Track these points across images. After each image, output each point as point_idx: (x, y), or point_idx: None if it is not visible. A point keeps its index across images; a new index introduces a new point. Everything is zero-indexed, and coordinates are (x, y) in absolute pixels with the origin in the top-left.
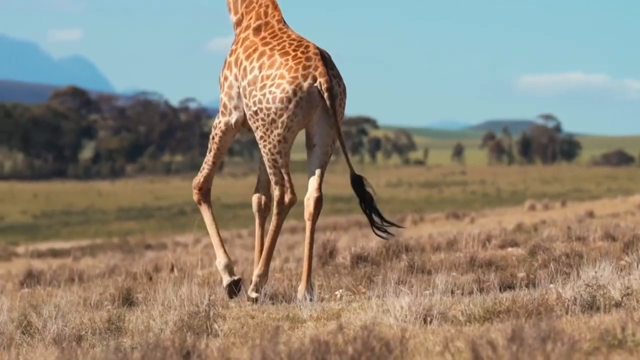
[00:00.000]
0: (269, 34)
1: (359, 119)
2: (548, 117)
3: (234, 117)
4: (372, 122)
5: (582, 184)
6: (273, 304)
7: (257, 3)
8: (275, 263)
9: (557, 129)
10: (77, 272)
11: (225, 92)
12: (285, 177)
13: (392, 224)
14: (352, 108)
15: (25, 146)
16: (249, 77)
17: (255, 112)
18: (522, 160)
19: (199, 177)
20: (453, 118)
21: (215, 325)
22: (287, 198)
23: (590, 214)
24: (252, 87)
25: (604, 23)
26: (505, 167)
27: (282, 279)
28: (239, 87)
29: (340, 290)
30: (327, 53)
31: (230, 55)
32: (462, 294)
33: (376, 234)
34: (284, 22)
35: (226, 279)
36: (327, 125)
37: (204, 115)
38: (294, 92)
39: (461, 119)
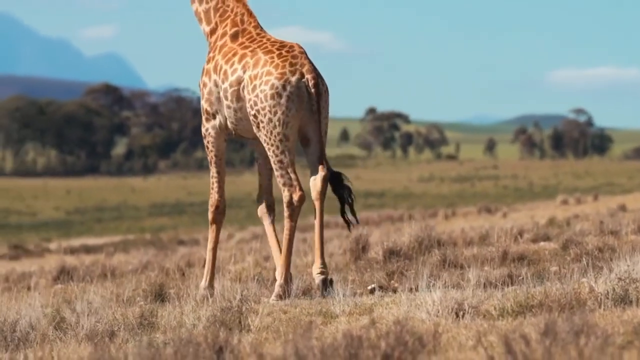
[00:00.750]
0: (247, 39)
1: (390, 114)
2: (579, 111)
3: (217, 121)
4: (404, 117)
5: (613, 178)
6: (305, 299)
7: (232, 12)
8: (308, 258)
9: (589, 123)
10: (109, 268)
11: (205, 98)
12: (292, 176)
13: (351, 219)
14: (384, 103)
15: (58, 143)
16: (232, 78)
17: (255, 116)
18: (554, 154)
19: (214, 196)
20: (485, 112)
21: (248, 321)
22: (296, 197)
23: (623, 208)
24: (234, 87)
25: (636, 17)
26: (537, 161)
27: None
28: (219, 92)
29: (373, 285)
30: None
31: (208, 62)
32: (495, 288)
33: (344, 220)
34: (261, 28)
35: (201, 293)
36: (314, 120)
37: None
38: (284, 87)
39: (493, 113)
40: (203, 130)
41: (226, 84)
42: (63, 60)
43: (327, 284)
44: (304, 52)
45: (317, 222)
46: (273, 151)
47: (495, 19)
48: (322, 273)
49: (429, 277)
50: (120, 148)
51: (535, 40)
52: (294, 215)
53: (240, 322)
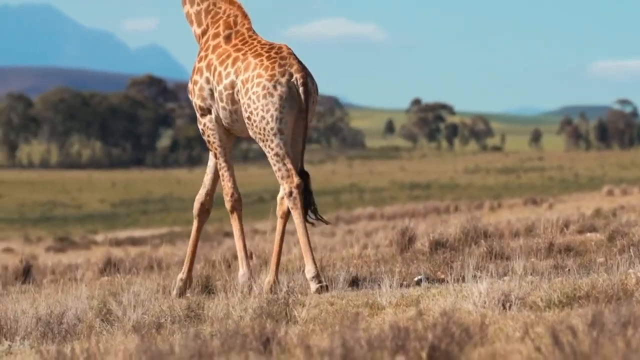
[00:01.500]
0: (240, 41)
1: (436, 105)
2: (625, 102)
3: (213, 115)
4: (449, 109)
5: None
6: (352, 290)
7: (224, 14)
8: (354, 249)
9: (634, 114)
10: (155, 260)
11: (197, 95)
12: (289, 166)
13: (321, 219)
14: (430, 95)
15: (103, 135)
16: (225, 82)
17: (249, 117)
18: (599, 145)
19: (227, 185)
20: (530, 104)
21: (295, 312)
22: (293, 185)
23: None
24: (229, 91)
25: None
26: (583, 152)
27: (360, 265)
28: (211, 89)
29: (419, 277)
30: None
31: (200, 61)
32: (541, 279)
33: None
34: (253, 30)
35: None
36: (302, 118)
37: None
38: (274, 87)
39: (538, 104)
40: (200, 126)
41: (221, 87)
42: (106, 52)
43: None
44: (292, 53)
45: (277, 237)
46: (268, 145)
47: (539, 9)
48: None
49: (475, 269)
50: (165, 140)
51: (579, 30)
52: (297, 205)
53: (286, 313)
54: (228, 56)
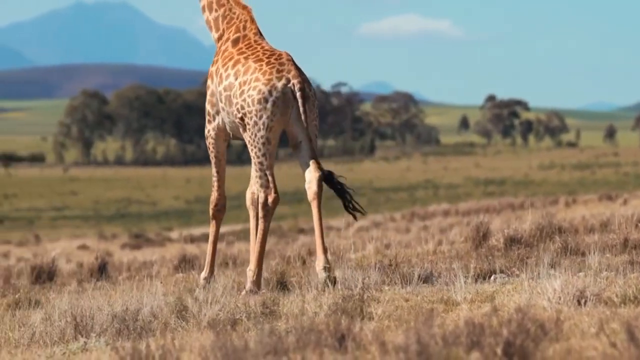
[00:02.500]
0: (245, 45)
1: (510, 101)
2: None
3: (217, 122)
4: (524, 105)
5: None
6: (427, 286)
7: (237, 18)
8: (429, 246)
9: None
10: (230, 256)
11: (208, 100)
12: (270, 179)
13: (357, 209)
14: (504, 91)
15: (177, 132)
16: (225, 83)
17: (241, 119)
18: None
19: (214, 194)
20: (605, 99)
21: (370, 309)
22: (270, 199)
23: None
24: (227, 92)
25: None
26: None
27: (435, 261)
28: (219, 93)
29: (495, 273)
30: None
31: (212, 65)
32: (616, 275)
33: (349, 212)
34: (260, 35)
35: (201, 284)
36: (302, 123)
37: (355, 100)
38: (270, 92)
39: (613, 100)
40: (205, 131)
41: (221, 87)
42: (181, 49)
43: (330, 280)
44: (291, 60)
45: (316, 221)
46: (255, 153)
47: (615, 4)
48: (325, 269)
49: (550, 265)
50: None
51: None
52: (267, 217)
53: (362, 310)
54: (231, 59)
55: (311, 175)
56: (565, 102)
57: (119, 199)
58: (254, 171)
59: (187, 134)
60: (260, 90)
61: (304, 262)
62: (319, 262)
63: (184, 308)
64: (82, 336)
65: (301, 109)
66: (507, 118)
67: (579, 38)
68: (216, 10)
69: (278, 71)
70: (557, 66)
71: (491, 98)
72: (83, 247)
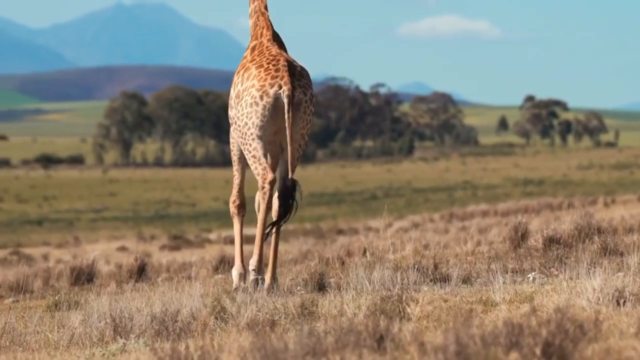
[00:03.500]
0: (257, 52)
1: (549, 101)
2: None
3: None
4: (563, 105)
5: None
6: (466, 287)
7: (259, 27)
8: (468, 246)
9: None
10: (267, 257)
11: (230, 106)
12: (264, 164)
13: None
14: (543, 91)
15: (217, 133)
16: (235, 90)
17: (235, 122)
18: None
19: (233, 192)
20: None
21: (408, 309)
22: (268, 179)
23: None
24: (237, 99)
25: None
26: None
27: (474, 261)
28: (233, 99)
29: (533, 273)
30: (300, 67)
31: (236, 74)
32: None
33: (272, 223)
34: (272, 41)
35: (235, 283)
36: (294, 130)
37: (394, 100)
38: (261, 97)
39: None
40: (230, 136)
41: (233, 94)
42: (220, 50)
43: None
44: (286, 66)
45: (273, 237)
46: (247, 148)
47: None
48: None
49: (589, 265)
50: None
51: None
52: (264, 197)
53: (400, 310)
54: (243, 66)
55: (276, 195)
56: (604, 102)
57: (158, 200)
58: (250, 164)
59: (227, 135)
60: (253, 95)
61: (342, 263)
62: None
63: (223, 309)
64: (121, 337)
65: (286, 115)
66: (545, 118)
67: (617, 37)
68: (250, 17)
69: (272, 77)
70: (595, 66)
71: (530, 98)
72: (122, 249)
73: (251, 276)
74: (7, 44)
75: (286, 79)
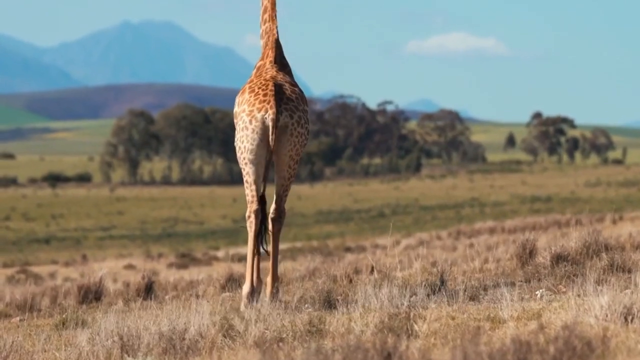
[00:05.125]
0: (257, 75)
1: (556, 118)
2: None
3: None
4: (570, 122)
5: None
6: (473, 304)
7: (268, 47)
8: (475, 263)
9: None
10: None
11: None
12: (254, 193)
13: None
14: (550, 108)
15: (224, 151)
16: (234, 111)
17: (235, 143)
18: None
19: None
20: None
21: (416, 327)
22: (252, 210)
23: None
24: (235, 120)
25: None
26: None
27: (481, 278)
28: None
29: (541, 290)
30: (290, 90)
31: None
32: None
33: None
34: (274, 63)
35: (243, 303)
36: (282, 152)
37: (401, 118)
38: (250, 121)
39: None
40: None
41: (233, 116)
42: (228, 67)
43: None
44: (273, 91)
45: (271, 251)
46: (242, 171)
47: None
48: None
49: (596, 282)
50: None
51: None
52: (252, 226)
53: (408, 328)
54: (243, 88)
55: (271, 214)
56: (611, 119)
57: (166, 218)
58: (245, 187)
59: (234, 153)
60: (243, 120)
61: (350, 281)
62: (247, 286)
63: (231, 327)
64: (128, 356)
65: (271, 137)
66: (553, 135)
67: (625, 54)
68: (261, 38)
69: (260, 102)
70: (603, 83)
71: (537, 115)
72: (130, 267)
73: (243, 301)
74: (15, 62)
75: (272, 103)
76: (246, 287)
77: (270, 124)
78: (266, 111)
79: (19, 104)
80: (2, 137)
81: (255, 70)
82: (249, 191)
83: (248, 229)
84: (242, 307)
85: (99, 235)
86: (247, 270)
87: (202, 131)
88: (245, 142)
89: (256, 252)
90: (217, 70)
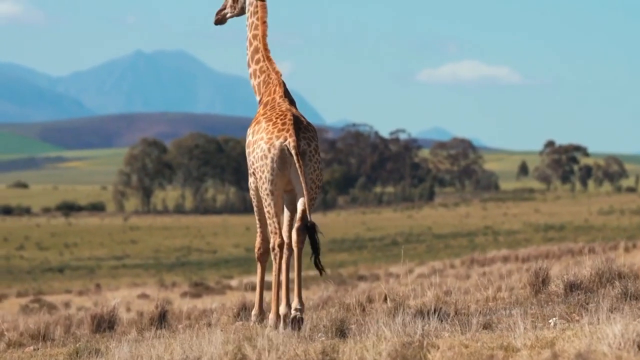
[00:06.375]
0: (269, 107)
1: (569, 147)
2: None
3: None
4: (583, 150)
5: None
6: (487, 332)
7: (272, 84)
8: (488, 292)
9: None
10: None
11: (247, 156)
12: (277, 225)
13: (320, 268)
14: (563, 136)
15: (237, 180)
16: (247, 141)
17: (253, 173)
18: None
19: (257, 239)
20: None
21: (429, 355)
22: (277, 242)
23: None
24: (248, 149)
25: None
26: None
27: (495, 307)
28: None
29: (554, 318)
30: (306, 121)
31: (250, 126)
32: None
33: (316, 266)
34: (284, 97)
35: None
36: (298, 175)
37: (414, 146)
38: (269, 149)
39: None
40: (248, 184)
41: (246, 146)
42: (240, 96)
43: (297, 322)
44: (292, 120)
45: (296, 266)
46: (263, 202)
47: None
48: (297, 311)
49: (610, 310)
50: None
51: None
52: (276, 258)
53: (421, 356)
54: (256, 119)
55: (295, 225)
56: (624, 147)
57: (179, 247)
58: (267, 219)
59: (247, 182)
60: (262, 148)
61: (363, 309)
62: (294, 303)
63: (244, 356)
64: None
65: (297, 164)
66: (566, 164)
67: (637, 83)
68: (258, 77)
69: (279, 130)
70: (616, 111)
71: (550, 144)
72: (143, 296)
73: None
74: (28, 92)
75: (291, 131)
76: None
77: (293, 151)
78: (285, 139)
79: (33, 133)
80: (15, 167)
81: (262, 106)
82: (272, 222)
83: (273, 258)
84: (281, 328)
85: (113, 264)
86: (272, 298)
87: (214, 160)
88: (265, 171)
89: (282, 279)
90: (229, 99)
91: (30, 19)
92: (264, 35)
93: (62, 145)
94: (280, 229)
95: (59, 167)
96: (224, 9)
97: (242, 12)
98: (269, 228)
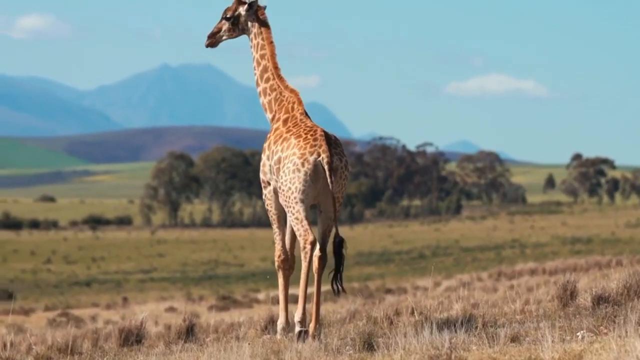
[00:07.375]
0: (292, 124)
1: (596, 159)
2: None
3: (272, 187)
4: (610, 163)
5: None
6: (514, 346)
7: (286, 101)
8: (516, 305)
9: None
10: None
11: (262, 170)
12: (306, 226)
13: (340, 286)
14: (590, 149)
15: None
16: (274, 157)
17: (280, 187)
18: None
19: (277, 247)
20: None
21: None
22: (309, 240)
23: None
24: (277, 165)
25: None
26: None
27: (522, 320)
28: (270, 166)
29: (582, 331)
30: (334, 136)
31: (265, 141)
32: None
33: (333, 283)
34: (306, 114)
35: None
36: (329, 192)
37: (441, 159)
38: (302, 164)
39: None
40: (263, 196)
41: (271, 162)
42: None
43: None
44: (323, 136)
45: (315, 293)
46: (290, 210)
47: None
48: (297, 317)
49: (638, 323)
50: None
51: None
52: (306, 257)
53: None
54: (280, 136)
55: (317, 252)
56: None
57: (206, 260)
58: (293, 225)
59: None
60: (294, 162)
61: (391, 323)
62: (297, 313)
63: None
64: None
65: (329, 180)
66: (593, 176)
67: None
68: (269, 95)
69: (311, 146)
70: None
71: (577, 157)
72: (171, 309)
73: (296, 328)
74: (55, 106)
75: (324, 147)
76: (298, 315)
77: (327, 167)
78: (318, 155)
79: (59, 147)
80: (43, 180)
81: (282, 122)
82: (301, 225)
83: (302, 259)
84: (297, 329)
85: (140, 277)
86: (299, 301)
87: (241, 173)
88: (296, 183)
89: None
90: (256, 112)
91: (56, 33)
92: (273, 55)
93: (89, 159)
94: (310, 227)
95: (86, 180)
96: (219, 32)
97: (242, 34)
98: (297, 232)
